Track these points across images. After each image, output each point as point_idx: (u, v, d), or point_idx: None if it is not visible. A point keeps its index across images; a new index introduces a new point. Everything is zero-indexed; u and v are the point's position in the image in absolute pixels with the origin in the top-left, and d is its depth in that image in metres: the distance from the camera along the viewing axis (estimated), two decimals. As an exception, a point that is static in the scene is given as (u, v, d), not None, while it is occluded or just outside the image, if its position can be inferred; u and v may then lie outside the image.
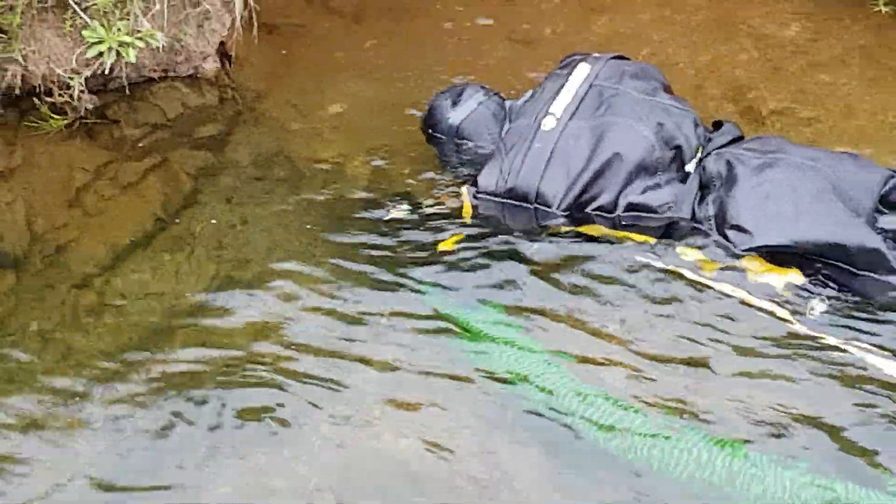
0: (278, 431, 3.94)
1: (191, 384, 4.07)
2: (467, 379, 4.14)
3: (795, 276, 4.50)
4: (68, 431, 3.94)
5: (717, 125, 4.85)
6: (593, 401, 4.00)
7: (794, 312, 4.32)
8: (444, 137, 5.01)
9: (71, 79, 5.13)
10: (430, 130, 4.98)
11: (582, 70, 4.81)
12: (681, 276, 4.47)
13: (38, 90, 5.16)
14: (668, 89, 4.85)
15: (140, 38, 5.06)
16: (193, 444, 3.88)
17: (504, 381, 4.14)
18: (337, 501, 3.75)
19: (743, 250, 4.48)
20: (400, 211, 4.85)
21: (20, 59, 5.07)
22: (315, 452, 3.89)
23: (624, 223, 4.64)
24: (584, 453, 3.87)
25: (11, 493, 3.67)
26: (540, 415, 4.02)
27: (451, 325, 4.42)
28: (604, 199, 4.67)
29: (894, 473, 3.68)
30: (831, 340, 4.18)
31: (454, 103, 5.03)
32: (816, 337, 4.24)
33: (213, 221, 4.82)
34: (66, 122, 5.17)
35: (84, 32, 4.99)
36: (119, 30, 5.03)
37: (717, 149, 4.67)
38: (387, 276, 4.58)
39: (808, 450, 3.85)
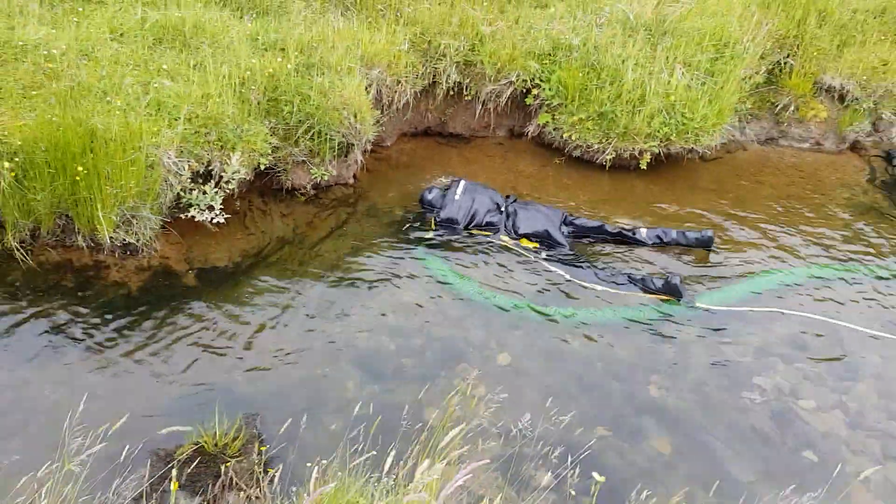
0: (359, 294, 5.15)
1: (334, 275, 5.24)
2: (431, 285, 5.32)
3: (536, 245, 5.64)
4: (285, 304, 5.07)
5: (508, 196, 6.15)
6: (478, 290, 5.28)
7: (534, 255, 5.49)
8: (425, 205, 6.11)
9: (306, 185, 5.99)
10: (420, 202, 6.11)
11: (462, 182, 6.06)
12: (505, 247, 5.60)
13: (296, 188, 5.92)
14: (491, 188, 6.19)
15: (327, 172, 6.01)
16: (324, 298, 5.09)
17: (447, 283, 5.32)
18: (390, 324, 4.92)
19: (519, 235, 5.71)
20: (411, 224, 5.84)
21: (310, 174, 5.92)
22: (373, 296, 5.08)
23: (484, 228, 5.81)
24: (480, 305, 5.12)
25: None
26: (461, 297, 5.17)
27: (429, 266, 5.44)
28: (477, 221, 5.85)
29: (564, 308, 5.14)
30: (547, 266, 5.38)
31: (429, 192, 6.12)
32: (542, 265, 5.39)
33: (352, 234, 5.75)
34: (304, 198, 5.98)
35: (312, 170, 5.93)
36: (320, 169, 5.94)
37: (510, 203, 5.99)
38: (403, 245, 5.60)
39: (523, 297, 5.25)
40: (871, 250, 6.02)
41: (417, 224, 5.88)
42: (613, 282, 5.32)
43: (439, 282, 5.27)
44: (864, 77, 7.22)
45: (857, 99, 7.26)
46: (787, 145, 7.30)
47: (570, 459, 3.45)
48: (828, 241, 6.09)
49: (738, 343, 4.96)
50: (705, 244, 5.80)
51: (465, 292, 5.19)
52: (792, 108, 7.21)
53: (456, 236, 5.76)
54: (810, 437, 4.31)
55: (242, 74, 5.59)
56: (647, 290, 5.31)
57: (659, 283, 5.35)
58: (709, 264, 5.65)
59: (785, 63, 7.26)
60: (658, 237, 5.83)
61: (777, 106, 7.24)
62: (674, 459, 4.08)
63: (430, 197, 6.03)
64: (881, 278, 5.63)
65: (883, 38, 7.51)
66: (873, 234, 6.22)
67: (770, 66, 7.25)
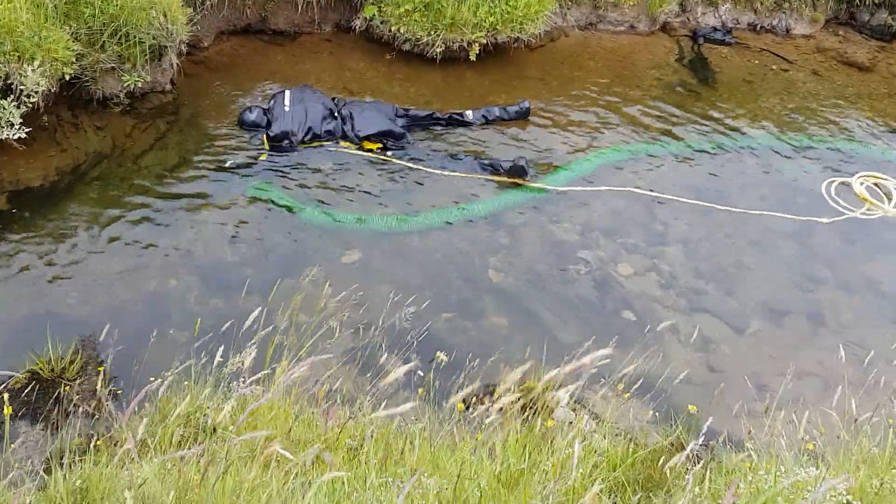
0: (191, 208, 5.04)
1: (161, 190, 5.02)
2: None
3: (378, 146, 5.57)
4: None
5: (335, 98, 5.93)
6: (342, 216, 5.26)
7: (385, 155, 5.46)
8: (248, 126, 5.68)
9: (118, 94, 5.60)
10: (242, 126, 5.71)
11: (287, 92, 5.88)
12: (347, 152, 5.53)
13: (108, 98, 5.52)
14: (318, 92, 5.95)
15: (140, 78, 5.61)
16: (153, 214, 4.89)
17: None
18: (228, 236, 4.81)
19: (361, 139, 5.59)
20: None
21: (122, 82, 5.64)
22: (207, 210, 4.94)
23: (322, 138, 5.55)
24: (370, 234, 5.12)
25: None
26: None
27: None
28: (315, 131, 5.55)
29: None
30: (396, 162, 5.41)
31: (249, 112, 5.71)
32: (391, 164, 5.42)
33: (176, 146, 5.48)
34: (118, 108, 5.60)
35: (123, 77, 5.55)
36: (132, 75, 5.60)
37: (342, 106, 5.77)
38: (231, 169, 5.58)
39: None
40: (679, 125, 6.49)
41: (245, 147, 5.56)
42: (467, 167, 5.57)
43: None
44: (671, -41, 8.15)
45: (656, -20, 8.24)
46: (605, 29, 7.68)
47: (416, 343, 3.79)
48: (642, 119, 6.56)
49: (564, 222, 5.36)
50: (524, 114, 6.38)
51: (310, 219, 5.18)
52: (608, -8, 8.21)
53: (292, 152, 5.56)
54: (628, 299, 4.81)
55: (33, -26, 5.57)
56: (496, 172, 5.67)
57: (507, 164, 5.71)
58: (540, 149, 5.95)
59: (600, -53, 8.08)
60: (483, 116, 6.30)
61: (594, -10, 8.17)
62: (510, 332, 4.46)
63: (252, 117, 5.81)
64: (688, 151, 6.11)
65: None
66: (680, 110, 6.71)
67: (586, -48, 8.00)
